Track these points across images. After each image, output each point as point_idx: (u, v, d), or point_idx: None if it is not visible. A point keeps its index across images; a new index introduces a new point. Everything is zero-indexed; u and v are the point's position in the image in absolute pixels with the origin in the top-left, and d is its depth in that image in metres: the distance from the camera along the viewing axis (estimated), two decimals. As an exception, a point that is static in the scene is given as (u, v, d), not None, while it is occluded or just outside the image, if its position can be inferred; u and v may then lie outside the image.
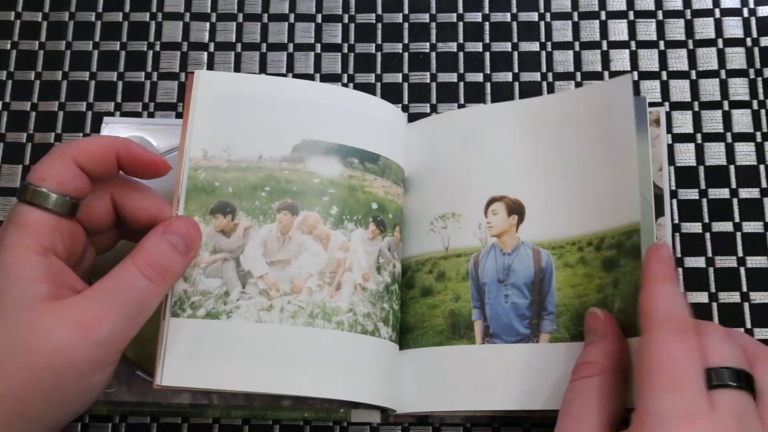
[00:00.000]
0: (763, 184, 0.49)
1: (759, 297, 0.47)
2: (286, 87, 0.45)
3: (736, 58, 0.52)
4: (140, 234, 0.38)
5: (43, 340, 0.34)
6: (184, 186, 0.42)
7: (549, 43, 0.52)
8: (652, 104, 0.50)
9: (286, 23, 0.53)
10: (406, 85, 0.52)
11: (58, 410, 0.36)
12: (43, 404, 0.34)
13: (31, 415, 0.34)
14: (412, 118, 0.48)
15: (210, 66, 0.52)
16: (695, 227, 0.49)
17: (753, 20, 0.52)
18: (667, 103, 0.51)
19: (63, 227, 0.37)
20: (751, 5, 0.52)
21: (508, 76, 0.52)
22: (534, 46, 0.52)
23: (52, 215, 0.36)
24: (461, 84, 0.52)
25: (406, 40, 0.53)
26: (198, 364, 0.40)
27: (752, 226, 0.49)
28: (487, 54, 0.52)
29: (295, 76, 0.52)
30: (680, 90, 0.51)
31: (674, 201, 0.49)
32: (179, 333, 0.40)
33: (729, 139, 0.50)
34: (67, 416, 0.37)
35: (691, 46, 0.52)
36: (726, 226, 0.49)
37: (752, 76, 0.51)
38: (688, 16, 0.53)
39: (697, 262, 0.48)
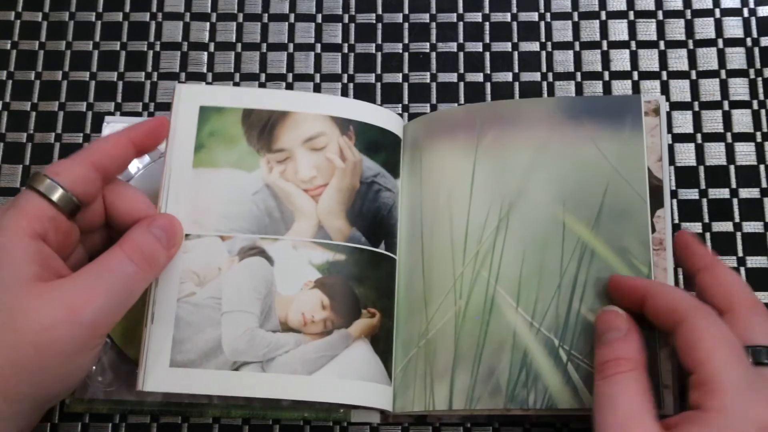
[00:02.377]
0: (763, 184, 0.49)
1: (759, 297, 0.47)
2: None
3: (736, 58, 0.52)
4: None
5: (30, 319, 0.34)
6: (167, 192, 0.43)
7: (549, 43, 0.52)
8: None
9: (286, 23, 0.53)
10: (406, 85, 0.52)
11: (40, 391, 0.36)
12: (26, 384, 0.35)
13: (13, 394, 0.35)
14: (412, 118, 0.48)
15: (210, 66, 0.52)
16: (695, 227, 0.49)
17: (753, 20, 0.52)
18: (667, 103, 0.51)
19: (60, 222, 0.37)
20: (751, 5, 0.52)
21: (508, 76, 0.52)
22: (534, 46, 0.52)
23: (53, 207, 0.36)
24: (461, 84, 0.52)
25: (406, 40, 0.53)
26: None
27: (752, 226, 0.49)
28: (487, 54, 0.52)
29: (295, 76, 0.52)
30: (680, 90, 0.51)
31: (674, 201, 0.49)
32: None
33: (729, 139, 0.50)
34: (50, 398, 0.37)
35: (691, 46, 0.52)
36: (726, 226, 0.49)
37: (752, 76, 0.51)
38: (688, 16, 0.53)
39: (697, 262, 0.48)
